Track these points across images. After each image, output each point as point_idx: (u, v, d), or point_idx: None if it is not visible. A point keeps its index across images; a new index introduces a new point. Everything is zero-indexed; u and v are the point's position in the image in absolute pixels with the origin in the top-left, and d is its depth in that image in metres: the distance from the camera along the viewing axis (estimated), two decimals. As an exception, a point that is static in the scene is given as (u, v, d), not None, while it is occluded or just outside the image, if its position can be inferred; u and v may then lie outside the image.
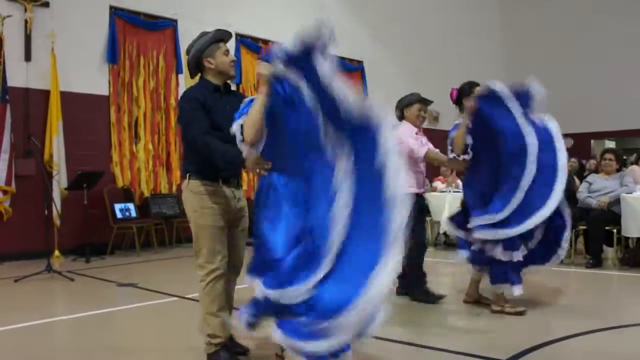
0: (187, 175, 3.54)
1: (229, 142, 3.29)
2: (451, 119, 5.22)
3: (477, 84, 5.06)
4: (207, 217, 3.45)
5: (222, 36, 3.61)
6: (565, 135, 5.02)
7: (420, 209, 5.17)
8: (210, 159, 3.35)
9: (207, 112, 3.41)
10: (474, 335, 4.19)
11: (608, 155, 7.26)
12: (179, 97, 3.57)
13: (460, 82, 5.00)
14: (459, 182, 9.88)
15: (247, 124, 3.08)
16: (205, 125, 3.38)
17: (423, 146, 5.09)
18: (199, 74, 3.61)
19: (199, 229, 3.47)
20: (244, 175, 11.06)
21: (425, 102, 5.28)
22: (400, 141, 4.65)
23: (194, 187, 3.49)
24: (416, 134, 5.18)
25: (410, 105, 5.23)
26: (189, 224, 3.55)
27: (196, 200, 3.47)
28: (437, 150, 5.29)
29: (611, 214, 6.77)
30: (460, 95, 5.07)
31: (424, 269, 5.27)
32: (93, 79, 9.11)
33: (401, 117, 5.28)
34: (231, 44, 11.04)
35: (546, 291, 5.76)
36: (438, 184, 9.85)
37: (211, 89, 3.52)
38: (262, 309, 2.98)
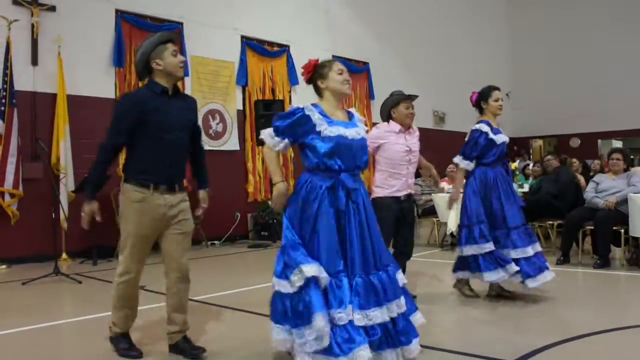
0: (123, 177, 3.62)
1: (176, 143, 3.54)
2: (457, 119, 5.28)
3: (497, 88, 5.32)
4: (131, 225, 3.54)
5: (169, 37, 3.61)
6: (573, 135, 5.07)
7: (402, 213, 4.97)
8: (139, 159, 3.52)
9: (148, 115, 3.45)
10: (481, 336, 4.18)
11: (615, 155, 7.22)
12: (121, 95, 3.64)
13: (465, 84, 5.05)
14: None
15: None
16: (120, 135, 3.49)
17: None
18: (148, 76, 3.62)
19: (124, 233, 3.62)
20: (250, 176, 11.09)
21: (410, 98, 5.10)
22: (370, 140, 4.72)
23: (124, 191, 3.58)
24: (400, 131, 4.99)
25: (396, 105, 5.07)
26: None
27: (124, 206, 3.58)
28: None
29: (619, 214, 6.74)
30: (480, 99, 5.31)
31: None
32: (99, 83, 9.15)
33: (389, 118, 5.11)
34: (237, 47, 11.10)
35: (553, 291, 5.74)
36: (444, 184, 9.82)
37: (158, 91, 3.51)
38: None
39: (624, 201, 6.72)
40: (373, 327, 3.15)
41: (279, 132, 3.34)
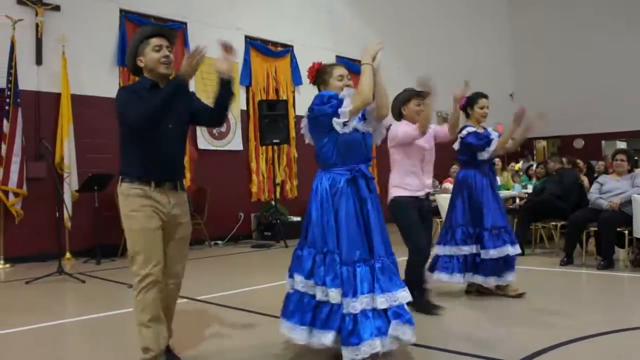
0: (120, 177, 3.34)
1: (172, 138, 3.36)
2: (460, 121, 5.21)
3: (485, 96, 5.47)
4: (138, 220, 3.24)
5: (151, 32, 3.38)
6: (576, 136, 5.12)
7: (420, 213, 4.87)
8: (138, 156, 3.27)
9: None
10: (483, 336, 4.17)
11: (619, 156, 7.20)
12: (118, 91, 3.40)
13: (470, 84, 4.99)
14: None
15: (363, 90, 3.46)
16: (141, 106, 3.16)
17: (413, 129, 4.79)
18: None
19: (130, 234, 3.28)
20: (254, 176, 11.10)
21: (421, 95, 4.95)
22: (393, 136, 4.75)
23: (124, 190, 3.30)
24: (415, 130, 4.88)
25: (407, 102, 4.97)
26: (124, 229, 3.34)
27: (126, 204, 3.28)
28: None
29: (623, 215, 6.72)
30: (467, 104, 5.45)
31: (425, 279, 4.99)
32: (103, 82, 9.16)
33: (400, 116, 5.01)
34: (240, 46, 11.10)
35: (557, 293, 5.74)
36: (448, 185, 9.81)
37: (147, 85, 3.32)
38: None
39: (628, 202, 6.70)
40: (400, 307, 3.33)
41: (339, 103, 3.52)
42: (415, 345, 3.84)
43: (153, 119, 3.17)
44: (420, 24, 15.28)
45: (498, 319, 4.66)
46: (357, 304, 3.22)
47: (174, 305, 3.59)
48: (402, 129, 4.82)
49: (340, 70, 3.68)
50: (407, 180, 4.83)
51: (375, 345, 3.19)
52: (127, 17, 9.47)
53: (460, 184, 5.41)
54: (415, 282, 4.65)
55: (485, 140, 5.32)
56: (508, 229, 5.31)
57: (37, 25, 8.48)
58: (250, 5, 11.31)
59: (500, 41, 18.74)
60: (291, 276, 3.50)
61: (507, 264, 5.20)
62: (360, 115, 3.58)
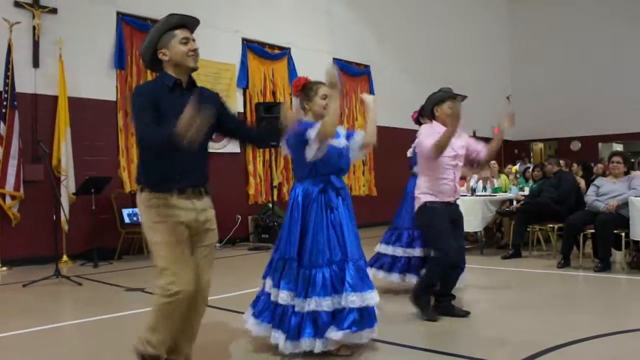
0: (140, 186, 3.08)
1: (188, 149, 2.92)
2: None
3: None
4: (161, 232, 2.98)
5: (179, 21, 3.11)
6: (573, 139, 5.10)
7: (452, 219, 4.73)
8: (161, 150, 2.91)
9: (162, 112, 2.93)
10: (482, 339, 4.18)
11: (616, 159, 7.22)
12: (132, 92, 3.10)
13: (466, 87, 4.98)
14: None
15: (329, 123, 3.56)
16: (153, 123, 2.87)
17: (429, 140, 4.57)
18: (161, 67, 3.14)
19: (155, 247, 3.01)
20: (251, 179, 11.10)
21: (454, 98, 4.72)
22: (419, 143, 4.66)
23: (144, 200, 3.03)
24: None
25: (440, 103, 4.73)
26: (147, 242, 3.10)
27: (148, 215, 3.02)
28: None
29: (619, 218, 6.73)
30: (419, 117, 5.54)
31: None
32: (100, 85, 9.16)
33: (432, 115, 4.81)
34: (238, 49, 11.10)
35: (554, 295, 5.74)
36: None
37: (170, 84, 3.04)
38: None
39: (625, 204, 6.72)
40: (367, 309, 3.58)
41: (303, 128, 3.71)
42: (414, 348, 3.85)
43: (168, 147, 2.80)
44: (418, 26, 15.29)
45: (493, 322, 4.66)
46: (305, 305, 3.53)
47: (199, 320, 3.28)
48: (427, 143, 4.57)
49: (324, 90, 3.78)
50: (437, 187, 4.64)
51: (314, 345, 3.51)
52: (124, 20, 9.46)
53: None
54: (427, 285, 4.69)
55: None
56: None
57: (34, 28, 8.47)
58: (248, 7, 11.31)
59: (499, 44, 18.78)
60: (264, 278, 3.88)
61: None
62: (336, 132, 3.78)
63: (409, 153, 5.72)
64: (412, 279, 5.38)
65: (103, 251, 8.37)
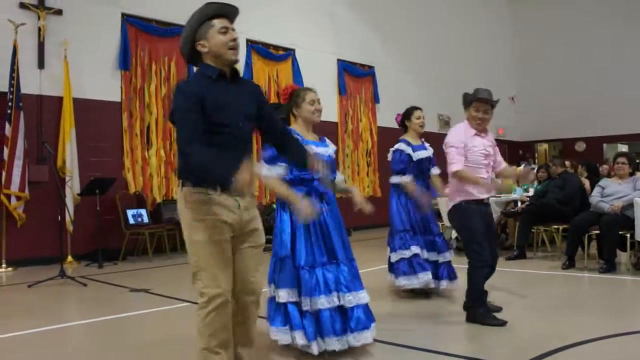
0: (180, 181, 2.91)
1: (237, 138, 2.89)
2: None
3: (418, 108, 5.68)
4: (202, 230, 2.82)
5: (216, 10, 2.93)
6: (578, 139, 5.09)
7: (484, 218, 4.69)
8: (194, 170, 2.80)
9: (207, 106, 2.78)
10: (487, 341, 4.17)
11: (621, 159, 7.20)
12: (175, 87, 2.93)
13: (470, 88, 4.95)
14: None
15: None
16: (197, 129, 2.73)
17: (457, 164, 4.56)
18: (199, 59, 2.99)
19: (193, 246, 2.86)
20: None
21: (483, 101, 4.65)
22: (446, 144, 4.67)
23: (186, 195, 2.87)
24: (475, 134, 4.66)
25: (468, 105, 4.72)
26: (185, 240, 2.94)
27: (188, 211, 2.86)
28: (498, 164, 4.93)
29: (624, 219, 6.72)
30: (404, 118, 5.69)
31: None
32: (105, 86, 9.19)
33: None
34: (242, 50, 11.09)
35: (559, 296, 5.73)
36: (447, 189, 9.80)
37: (214, 75, 2.87)
38: None
39: (630, 205, 6.70)
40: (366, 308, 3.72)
41: (272, 161, 3.65)
42: (419, 349, 3.85)
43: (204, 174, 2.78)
44: (422, 27, 15.29)
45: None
46: (319, 302, 3.58)
47: (254, 326, 3.14)
48: (451, 154, 4.60)
49: (312, 96, 3.86)
50: (471, 187, 4.62)
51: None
52: (129, 21, 9.48)
53: (397, 192, 5.63)
54: (475, 292, 4.58)
55: (401, 165, 5.50)
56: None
57: (39, 29, 8.50)
58: (253, 8, 11.30)
59: (503, 44, 18.76)
60: (269, 284, 3.83)
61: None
62: (320, 139, 3.95)
63: (389, 157, 5.72)
64: (409, 281, 5.38)
65: (107, 252, 8.40)
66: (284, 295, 3.63)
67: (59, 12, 8.71)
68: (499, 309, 4.78)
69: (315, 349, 3.53)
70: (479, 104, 4.63)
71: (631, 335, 4.11)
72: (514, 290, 5.70)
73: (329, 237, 3.73)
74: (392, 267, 5.53)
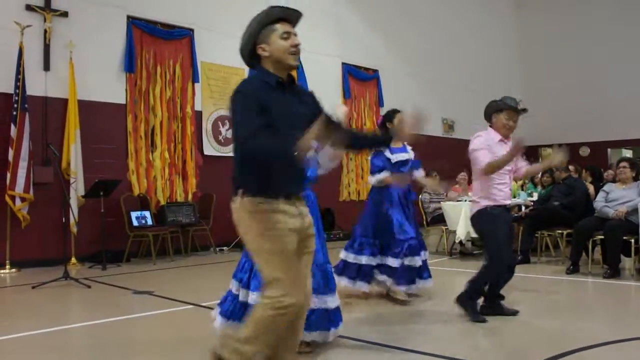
0: (240, 191, 2.83)
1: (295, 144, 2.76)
2: (466, 127, 5.24)
3: (399, 111, 5.61)
4: (275, 240, 2.77)
5: (279, 15, 2.89)
6: (582, 144, 5.13)
7: (507, 223, 4.82)
8: (264, 165, 2.75)
9: (268, 111, 2.74)
10: (489, 345, 4.16)
11: (622, 164, 7.21)
12: (233, 91, 2.84)
13: (475, 92, 4.98)
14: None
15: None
16: (259, 126, 2.67)
17: (483, 161, 4.64)
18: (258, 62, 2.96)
19: (266, 256, 2.78)
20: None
21: (514, 110, 4.76)
22: (472, 150, 4.73)
23: (250, 206, 2.79)
24: (500, 141, 4.77)
25: (499, 112, 4.79)
26: (250, 251, 2.89)
27: (257, 222, 2.78)
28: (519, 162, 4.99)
29: (629, 224, 6.70)
30: (385, 120, 5.66)
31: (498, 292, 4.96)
32: (110, 88, 9.21)
33: (489, 121, 4.90)
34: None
35: (563, 301, 5.72)
36: (452, 193, 9.81)
37: (273, 82, 2.84)
38: None
39: (635, 211, 6.68)
40: (331, 310, 3.83)
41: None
42: (424, 354, 3.85)
43: (281, 159, 2.73)
44: (427, 31, 15.28)
45: (502, 329, 4.64)
46: None
47: (302, 331, 3.13)
48: (482, 158, 4.66)
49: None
50: (494, 190, 4.73)
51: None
52: (134, 24, 9.51)
53: (375, 200, 5.69)
54: (477, 287, 4.79)
55: (376, 168, 5.57)
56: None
57: (45, 31, 8.53)
58: (257, 11, 11.32)
59: (508, 49, 18.73)
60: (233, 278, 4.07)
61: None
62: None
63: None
64: (358, 285, 5.54)
65: (111, 254, 8.41)
66: (256, 299, 3.57)
67: (64, 14, 8.74)
68: (516, 312, 4.86)
69: None
70: (512, 112, 4.75)
71: (634, 342, 4.10)
72: (518, 294, 5.68)
73: None
74: (338, 267, 5.60)
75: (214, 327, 3.88)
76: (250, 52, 2.92)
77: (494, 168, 4.62)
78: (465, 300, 4.80)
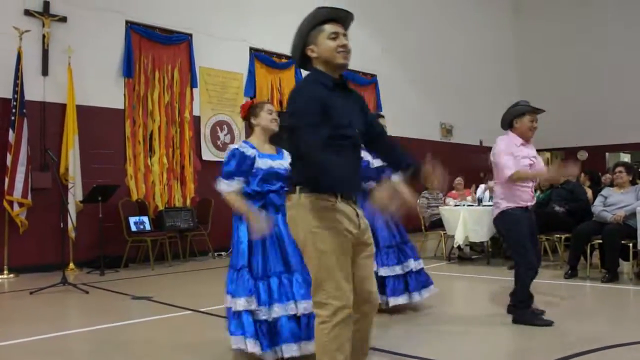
0: (297, 187, 2.78)
1: (355, 146, 2.89)
2: (464, 132, 5.27)
3: (381, 115, 5.65)
4: (330, 239, 2.70)
5: (326, 16, 2.88)
6: (580, 148, 5.17)
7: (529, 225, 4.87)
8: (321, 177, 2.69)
9: (328, 112, 2.72)
10: (488, 351, 4.16)
11: (618, 168, 7.22)
12: (292, 91, 2.89)
13: (473, 97, 5.01)
14: (474, 195, 9.89)
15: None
16: (323, 134, 2.65)
17: (510, 169, 4.73)
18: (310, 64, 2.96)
19: (319, 256, 2.71)
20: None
21: (536, 112, 4.97)
22: (495, 155, 4.80)
23: (307, 203, 2.73)
24: (521, 144, 4.91)
25: (521, 116, 4.92)
26: (302, 248, 2.81)
27: (313, 219, 2.71)
28: (534, 165, 5.01)
29: (627, 228, 6.71)
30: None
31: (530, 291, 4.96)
32: (109, 93, 9.22)
33: (510, 126, 4.99)
34: (245, 58, 11.15)
35: (562, 306, 5.72)
36: (450, 199, 9.83)
37: (329, 84, 2.83)
38: None
39: (633, 215, 6.69)
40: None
41: (229, 177, 3.79)
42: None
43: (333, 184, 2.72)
44: (425, 36, 15.31)
45: (498, 332, 4.64)
46: (275, 310, 3.65)
47: (371, 337, 3.05)
48: (507, 165, 4.75)
49: (270, 106, 4.05)
50: (518, 192, 4.82)
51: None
52: (133, 29, 9.53)
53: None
54: (523, 294, 4.81)
55: None
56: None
57: (43, 37, 8.54)
58: (255, 17, 11.36)
59: (506, 53, 18.78)
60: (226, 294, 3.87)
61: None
62: (277, 152, 4.03)
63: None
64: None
65: (109, 259, 8.40)
66: (242, 304, 3.65)
67: (63, 19, 8.76)
68: (542, 312, 4.90)
69: (269, 359, 3.61)
70: (534, 114, 4.93)
71: (633, 346, 4.10)
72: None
73: (284, 247, 3.80)
74: None
75: (245, 350, 3.63)
76: (300, 54, 2.91)
77: (520, 179, 4.76)
78: (520, 312, 4.79)
